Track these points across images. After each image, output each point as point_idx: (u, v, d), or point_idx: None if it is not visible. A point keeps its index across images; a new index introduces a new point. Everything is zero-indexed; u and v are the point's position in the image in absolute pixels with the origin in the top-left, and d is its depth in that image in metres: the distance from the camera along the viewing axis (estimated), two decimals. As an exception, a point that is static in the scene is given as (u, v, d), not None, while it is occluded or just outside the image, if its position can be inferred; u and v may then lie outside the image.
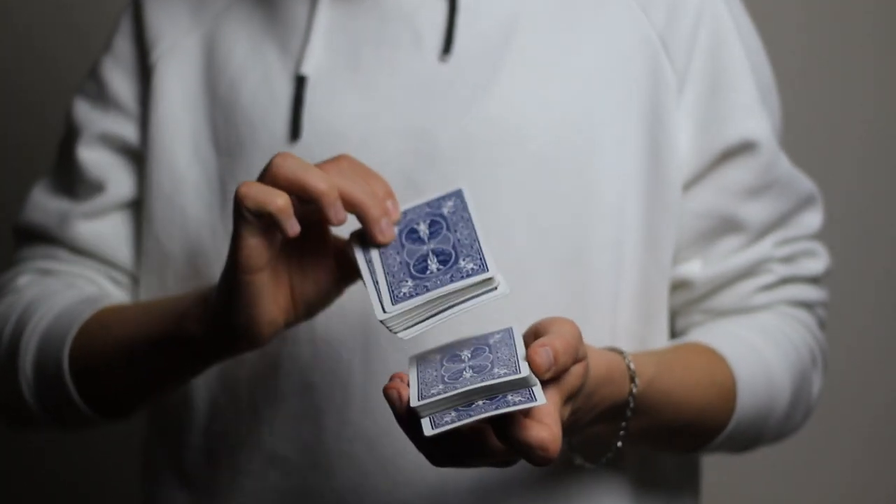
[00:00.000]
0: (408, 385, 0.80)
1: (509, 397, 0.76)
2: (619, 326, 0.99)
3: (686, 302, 1.05)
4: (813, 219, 1.07)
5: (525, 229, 0.97)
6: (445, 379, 0.79)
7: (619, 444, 0.91)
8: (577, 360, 0.80)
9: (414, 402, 0.77)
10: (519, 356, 0.79)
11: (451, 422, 0.75)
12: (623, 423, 0.90)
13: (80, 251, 1.08)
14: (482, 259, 0.82)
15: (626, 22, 1.00)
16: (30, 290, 1.07)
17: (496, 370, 0.78)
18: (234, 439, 1.02)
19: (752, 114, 1.01)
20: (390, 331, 0.82)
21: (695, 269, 1.03)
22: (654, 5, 1.00)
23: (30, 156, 1.76)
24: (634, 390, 0.88)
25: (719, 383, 0.97)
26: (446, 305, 0.81)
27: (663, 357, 0.95)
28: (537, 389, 0.76)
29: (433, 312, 0.81)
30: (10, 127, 1.78)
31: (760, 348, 1.00)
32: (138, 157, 1.08)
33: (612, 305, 0.99)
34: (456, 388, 0.77)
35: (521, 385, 0.76)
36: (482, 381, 0.77)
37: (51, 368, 1.01)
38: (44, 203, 1.11)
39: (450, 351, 0.84)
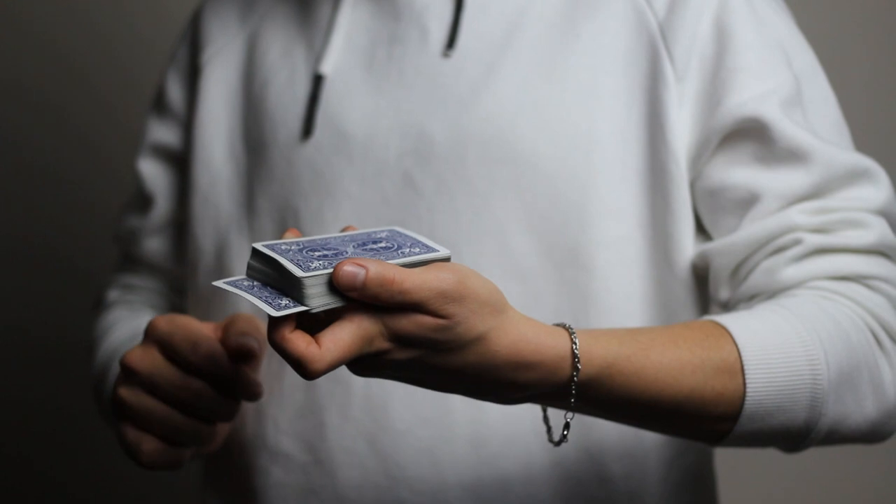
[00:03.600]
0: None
1: (283, 298, 0.74)
2: (632, 322, 0.97)
3: (722, 285, 0.99)
4: (867, 193, 0.96)
5: (521, 228, 0.97)
6: (307, 248, 0.77)
7: (565, 433, 0.84)
8: (417, 309, 0.75)
9: (256, 244, 0.77)
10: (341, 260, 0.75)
11: (227, 287, 0.74)
12: (569, 409, 0.83)
13: (150, 265, 1.20)
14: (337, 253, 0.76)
15: (629, 14, 0.99)
16: (112, 310, 1.20)
17: (316, 263, 0.75)
18: (242, 437, 1.04)
19: (750, 93, 0.96)
20: (302, 299, 0.75)
21: (713, 242, 0.98)
22: None
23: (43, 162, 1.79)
24: (576, 377, 0.81)
25: (717, 359, 0.87)
26: (273, 286, 0.75)
27: (639, 336, 0.86)
28: (309, 302, 0.73)
29: (265, 284, 0.76)
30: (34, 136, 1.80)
31: (778, 320, 0.90)
32: (182, 163, 1.14)
33: (623, 305, 0.98)
34: (277, 253, 0.75)
35: (298, 287, 0.73)
36: (282, 259, 0.74)
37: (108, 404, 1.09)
38: (124, 219, 1.22)
39: (387, 238, 0.81)
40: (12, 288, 1.81)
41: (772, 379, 0.88)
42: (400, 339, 0.75)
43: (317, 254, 0.76)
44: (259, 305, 0.73)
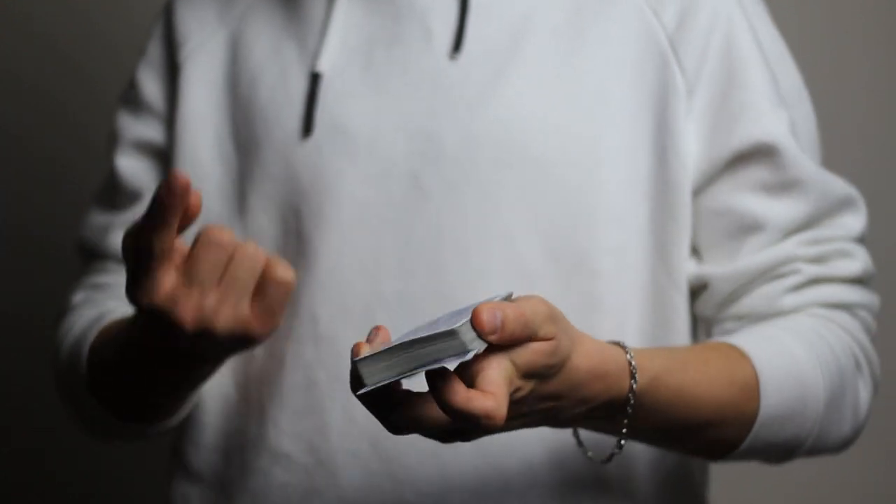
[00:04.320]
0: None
1: (445, 362, 0.73)
2: (628, 327, 0.98)
3: (713, 306, 1.02)
4: (851, 222, 1.03)
5: (530, 232, 0.97)
6: (402, 339, 0.76)
7: (623, 442, 0.87)
8: (534, 337, 0.76)
9: (357, 357, 0.74)
10: (468, 316, 0.74)
11: (382, 381, 0.73)
12: (625, 421, 0.86)
13: (121, 260, 1.10)
14: (457, 320, 0.75)
15: (637, 25, 1.00)
16: (77, 312, 1.11)
17: (440, 327, 0.74)
18: (243, 438, 1.03)
19: (766, 115, 1.00)
20: (359, 382, 0.75)
21: (714, 268, 1.01)
22: (666, 8, 1.00)
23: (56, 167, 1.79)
24: (634, 387, 0.84)
25: (740, 381, 0.92)
26: (413, 366, 0.74)
27: (676, 354, 0.92)
28: (472, 346, 0.73)
29: (401, 370, 0.74)
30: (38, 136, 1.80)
31: (788, 346, 0.96)
32: (166, 158, 1.10)
33: (620, 308, 0.98)
34: (390, 344, 0.74)
35: (454, 341, 0.72)
36: (414, 335, 0.74)
37: (83, 395, 1.04)
38: (91, 218, 1.15)
39: (439, 317, 0.81)
40: (11, 285, 1.81)
41: (780, 402, 0.94)
42: (526, 373, 0.76)
43: (419, 333, 0.75)
44: (437, 366, 0.72)
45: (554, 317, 0.77)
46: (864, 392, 1.01)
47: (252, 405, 1.03)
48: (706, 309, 1.03)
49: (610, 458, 0.89)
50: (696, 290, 1.03)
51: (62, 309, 1.16)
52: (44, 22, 1.78)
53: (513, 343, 0.75)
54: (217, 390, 1.05)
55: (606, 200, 0.98)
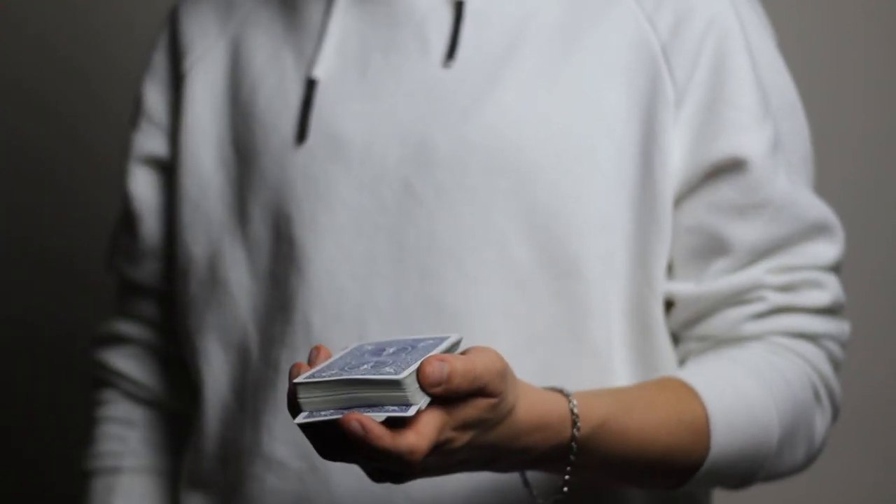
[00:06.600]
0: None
1: (386, 406, 0.74)
2: (614, 335, 0.99)
3: (679, 324, 1.02)
4: (824, 250, 1.01)
5: (522, 238, 0.97)
6: (345, 367, 0.77)
7: (565, 488, 0.88)
8: (480, 392, 0.78)
9: (298, 379, 0.76)
10: (416, 362, 0.76)
11: (320, 416, 0.74)
12: (567, 468, 0.87)
13: (146, 290, 1.16)
14: (404, 369, 0.76)
15: (631, 32, 0.99)
16: (105, 438, 1.18)
17: (386, 369, 0.75)
18: (239, 445, 1.04)
19: (746, 131, 0.98)
20: (296, 406, 0.77)
21: (681, 286, 1.00)
22: (661, 17, 0.99)
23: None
24: (577, 434, 0.86)
25: (688, 421, 0.92)
26: (353, 405, 0.75)
27: (622, 396, 0.92)
28: (413, 400, 0.74)
29: (338, 407, 0.75)
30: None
31: (740, 382, 0.96)
32: (170, 171, 1.11)
33: (606, 314, 0.98)
34: (335, 376, 0.75)
35: (398, 391, 0.74)
36: (361, 374, 0.75)
37: None
38: (118, 238, 1.17)
39: (384, 344, 0.82)
40: (10, 287, 1.81)
41: (732, 441, 0.94)
42: (462, 425, 0.78)
43: (364, 366, 0.76)
44: (381, 416, 0.73)
45: (505, 375, 0.80)
46: (820, 423, 1.01)
47: (248, 412, 1.04)
48: (672, 325, 1.02)
49: (555, 501, 0.91)
50: (666, 305, 1.02)
51: (104, 336, 1.19)
52: (41, 24, 1.78)
53: (457, 397, 0.77)
54: (217, 398, 1.06)
55: (596, 207, 0.97)
